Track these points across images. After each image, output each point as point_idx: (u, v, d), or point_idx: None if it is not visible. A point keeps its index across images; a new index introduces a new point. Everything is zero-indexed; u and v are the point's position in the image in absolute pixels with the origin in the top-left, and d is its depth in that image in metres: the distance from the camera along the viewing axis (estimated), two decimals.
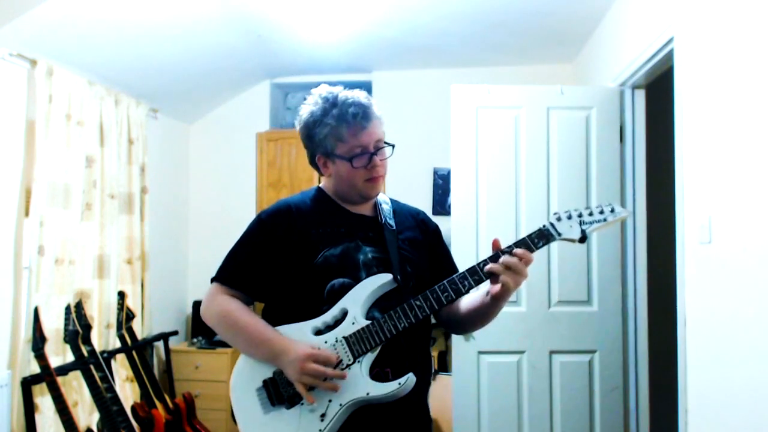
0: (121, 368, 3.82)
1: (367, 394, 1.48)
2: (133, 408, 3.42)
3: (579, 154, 3.38)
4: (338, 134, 1.60)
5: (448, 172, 4.21)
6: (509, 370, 3.32)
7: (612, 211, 1.51)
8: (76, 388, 3.39)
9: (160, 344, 4.34)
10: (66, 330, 3.16)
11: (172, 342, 4.44)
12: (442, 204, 4.61)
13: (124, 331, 3.71)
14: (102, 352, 3.40)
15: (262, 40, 4.06)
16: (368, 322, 1.53)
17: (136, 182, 4.08)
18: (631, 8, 3.24)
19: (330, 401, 1.49)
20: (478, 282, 1.52)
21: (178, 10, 3.38)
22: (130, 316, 3.79)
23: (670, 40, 2.69)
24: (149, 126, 4.30)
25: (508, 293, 1.53)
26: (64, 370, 3.20)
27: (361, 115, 1.60)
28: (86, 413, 3.42)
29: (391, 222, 1.70)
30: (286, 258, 1.60)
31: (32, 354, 3.00)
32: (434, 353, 4.21)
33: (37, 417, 3.09)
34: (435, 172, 4.69)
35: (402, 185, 4.33)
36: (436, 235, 1.81)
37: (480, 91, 3.40)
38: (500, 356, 3.31)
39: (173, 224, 4.81)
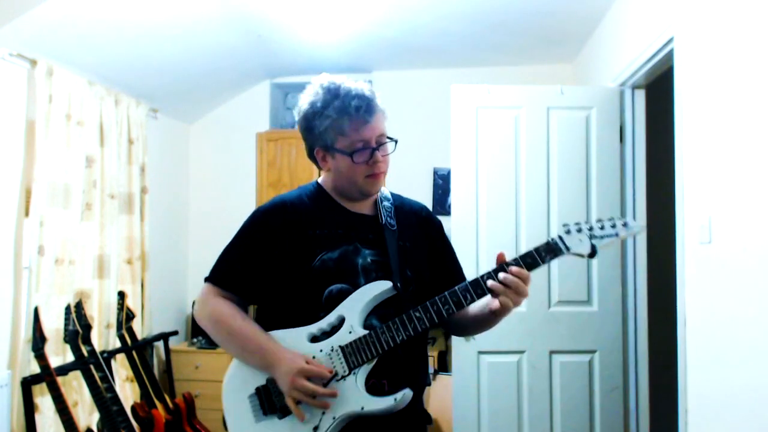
0: (121, 368, 3.82)
1: (362, 408, 1.44)
2: (133, 408, 3.42)
3: (579, 154, 3.38)
4: (339, 127, 1.53)
5: (448, 172, 4.21)
6: (509, 370, 3.32)
7: (625, 225, 1.44)
8: (76, 388, 3.39)
9: (160, 344, 4.34)
10: (66, 330, 3.16)
11: (172, 342, 4.44)
12: (442, 204, 4.61)
13: (124, 331, 3.71)
14: (102, 352, 3.40)
15: (262, 40, 4.06)
16: (365, 332, 1.47)
17: (136, 182, 4.08)
18: (631, 8, 3.24)
19: (324, 413, 1.45)
20: (481, 295, 1.47)
21: (178, 10, 3.38)
22: (130, 316, 3.79)
23: (670, 40, 2.69)
24: (149, 126, 4.30)
25: (506, 311, 1.48)
26: (64, 370, 3.20)
27: (365, 108, 1.52)
28: (86, 413, 3.42)
29: (392, 222, 1.63)
30: (281, 260, 1.55)
31: (32, 354, 3.00)
32: (434, 353, 4.21)
33: (37, 417, 3.09)
34: (435, 172, 4.69)
35: (402, 185, 4.29)
36: (438, 232, 1.75)
37: (480, 91, 3.40)
38: (500, 356, 3.31)
39: (173, 224, 4.81)
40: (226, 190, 4.91)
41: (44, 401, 3.13)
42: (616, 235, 1.43)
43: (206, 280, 1.61)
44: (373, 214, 1.64)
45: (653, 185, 3.39)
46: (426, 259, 1.66)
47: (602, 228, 1.44)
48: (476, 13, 3.69)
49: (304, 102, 1.60)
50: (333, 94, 1.54)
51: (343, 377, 1.46)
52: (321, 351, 1.48)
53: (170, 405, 3.71)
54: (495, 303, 1.46)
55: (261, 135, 4.86)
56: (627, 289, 3.37)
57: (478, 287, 1.46)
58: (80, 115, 3.52)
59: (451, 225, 3.28)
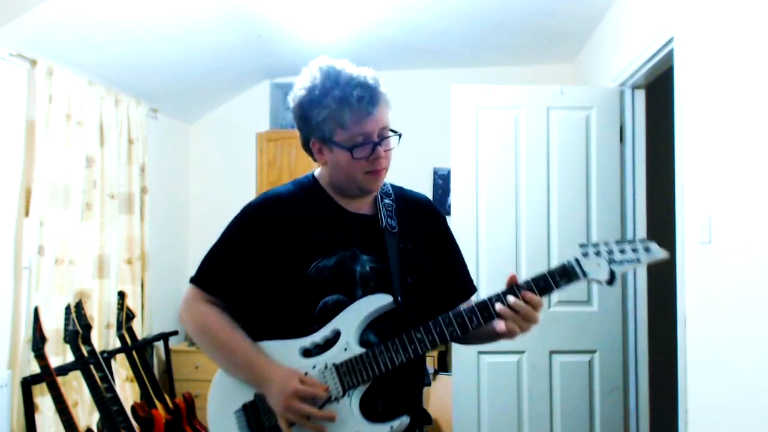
0: (121, 368, 3.82)
1: None
2: (133, 408, 3.42)
3: (579, 154, 3.38)
4: (339, 119, 1.39)
5: (448, 172, 4.21)
6: (509, 370, 3.32)
7: (647, 250, 1.31)
8: (76, 388, 3.39)
9: (160, 344, 4.34)
10: (66, 330, 3.16)
11: (172, 342, 4.44)
12: (442, 204, 4.61)
13: (124, 331, 3.71)
14: (102, 352, 3.40)
15: (262, 40, 4.06)
16: (362, 350, 1.37)
17: (136, 182, 4.08)
18: (631, 8, 3.24)
19: None
20: (488, 319, 1.36)
21: (178, 10, 3.38)
22: (130, 316, 3.79)
23: (670, 40, 2.69)
24: (149, 126, 4.30)
25: (512, 336, 1.38)
26: (64, 370, 3.20)
27: (368, 99, 1.38)
28: (86, 413, 3.42)
29: (393, 223, 1.50)
30: (273, 264, 1.43)
31: (32, 354, 3.00)
32: (434, 353, 4.21)
33: (37, 417, 3.09)
34: (435, 172, 4.69)
35: (402, 185, 4.33)
36: (442, 227, 1.63)
37: (480, 91, 3.40)
38: (500, 356, 3.31)
39: (173, 224, 4.81)
40: (226, 190, 4.90)
41: (44, 401, 3.13)
42: (638, 260, 1.31)
43: (191, 280, 1.50)
44: (373, 214, 1.51)
45: (653, 185, 3.39)
46: (427, 260, 1.55)
47: (623, 252, 1.32)
48: (476, 13, 3.69)
49: (300, 87, 1.46)
50: (333, 81, 1.40)
51: (337, 399, 1.36)
52: (314, 368, 1.38)
53: (170, 405, 3.71)
54: (501, 325, 1.36)
55: (261, 135, 4.86)
56: (627, 289, 3.37)
57: (486, 310, 1.35)
58: (80, 115, 3.52)
59: (451, 225, 3.27)
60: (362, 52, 4.36)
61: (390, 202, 1.55)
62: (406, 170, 4.51)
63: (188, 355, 4.42)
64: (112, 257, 3.78)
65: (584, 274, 1.32)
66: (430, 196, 4.65)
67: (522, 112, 3.40)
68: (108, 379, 3.21)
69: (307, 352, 1.40)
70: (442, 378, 3.91)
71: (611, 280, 1.32)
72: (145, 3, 3.23)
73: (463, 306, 1.43)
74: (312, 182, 1.55)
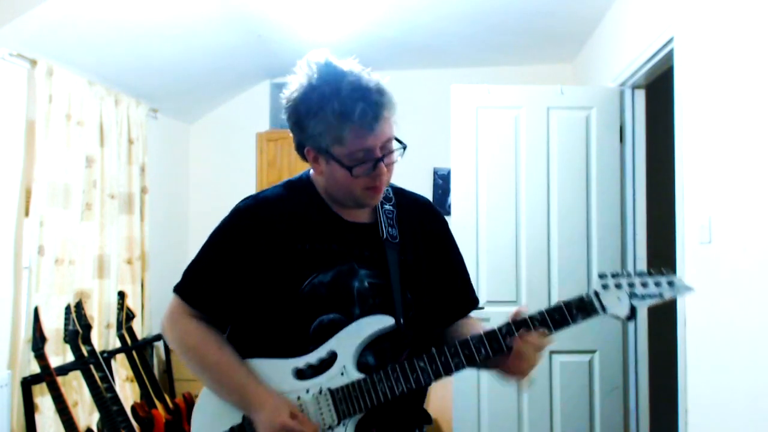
0: (121, 368, 3.82)
1: None
2: (133, 408, 3.42)
3: (579, 154, 3.38)
4: (338, 135, 1.25)
5: (448, 172, 4.21)
6: None
7: (671, 284, 1.23)
8: (76, 388, 3.39)
9: (160, 344, 4.34)
10: (66, 330, 3.16)
11: None
12: (442, 204, 4.61)
13: (124, 331, 3.71)
14: (102, 352, 3.40)
15: (262, 40, 4.06)
16: (360, 376, 1.28)
17: (136, 182, 4.08)
18: (631, 8, 3.24)
19: None
20: (497, 352, 1.27)
21: (178, 10, 3.38)
22: (130, 316, 3.79)
23: (670, 40, 2.69)
24: (149, 126, 4.30)
25: (514, 377, 1.30)
26: (64, 370, 3.20)
27: (372, 115, 1.24)
28: (86, 413, 3.42)
29: (394, 232, 1.39)
30: (263, 277, 1.33)
31: (32, 354, 2.99)
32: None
33: (37, 417, 3.08)
34: (435, 172, 4.69)
35: (401, 185, 4.33)
36: (445, 231, 1.52)
37: (480, 91, 3.40)
38: None
39: (173, 224, 4.81)
40: (226, 190, 4.89)
41: (44, 401, 3.13)
42: (660, 296, 1.23)
43: (175, 290, 1.39)
44: (372, 223, 1.40)
45: (653, 185, 3.39)
46: (427, 272, 1.44)
47: (645, 285, 1.24)
48: (476, 13, 3.69)
49: (295, 89, 1.31)
50: (333, 89, 1.25)
51: (331, 428, 1.27)
52: (308, 392, 1.28)
53: (170, 405, 3.71)
54: (505, 363, 1.29)
55: (261, 135, 4.86)
56: None
57: (495, 341, 1.26)
58: (80, 115, 3.52)
59: (451, 225, 3.27)
60: (362, 52, 4.32)
61: (390, 207, 1.44)
62: (406, 170, 4.50)
63: None
64: (112, 257, 3.78)
65: (603, 308, 1.24)
66: (430, 197, 4.66)
67: (522, 112, 3.40)
68: (108, 379, 3.21)
69: (300, 374, 1.31)
70: (441, 378, 3.91)
71: (631, 315, 1.23)
72: (145, 3, 3.23)
73: (468, 328, 1.36)
74: (306, 185, 1.42)
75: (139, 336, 3.95)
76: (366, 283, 1.34)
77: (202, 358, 1.34)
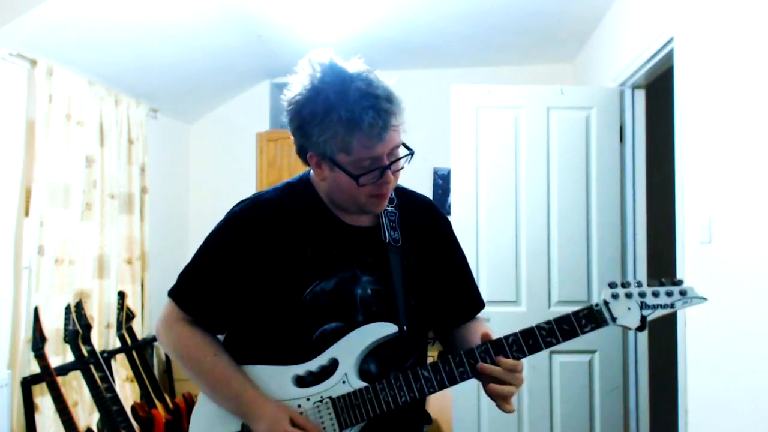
0: (121, 368, 3.82)
1: None
2: (133, 408, 3.42)
3: (579, 154, 3.38)
4: (345, 144, 1.20)
5: (448, 172, 4.21)
6: None
7: (683, 294, 1.20)
8: (76, 388, 3.39)
9: (160, 344, 4.33)
10: (66, 330, 3.16)
11: None
12: (442, 204, 4.61)
13: (124, 331, 3.71)
14: (102, 352, 3.40)
15: (262, 40, 4.06)
16: (362, 385, 1.25)
17: (136, 182, 4.08)
18: (631, 8, 3.24)
19: None
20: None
21: (178, 10, 3.38)
22: (130, 316, 3.79)
23: (670, 40, 2.69)
24: (149, 126, 4.30)
25: (500, 398, 1.24)
26: (64, 370, 3.20)
27: (381, 125, 1.19)
28: (86, 413, 3.42)
29: (396, 236, 1.36)
30: (263, 284, 1.29)
31: (32, 354, 3.00)
32: (434, 353, 4.21)
33: (37, 417, 3.09)
34: (435, 172, 4.69)
35: (402, 185, 4.33)
36: (447, 232, 1.48)
37: (480, 91, 3.40)
38: None
39: (173, 224, 4.81)
40: (226, 190, 4.89)
41: (44, 401, 3.13)
42: (672, 306, 1.20)
43: (170, 294, 1.36)
44: (374, 226, 1.36)
45: (653, 185, 3.39)
46: (431, 276, 1.41)
47: (656, 295, 1.20)
48: (476, 13, 3.69)
49: (298, 91, 1.25)
50: (339, 95, 1.19)
51: None
52: (308, 400, 1.26)
53: (170, 405, 3.71)
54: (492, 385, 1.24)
55: (261, 135, 4.86)
56: None
57: (501, 350, 1.23)
58: (80, 115, 3.52)
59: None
60: (362, 52, 4.32)
61: (393, 209, 1.40)
62: (406, 170, 4.51)
63: None
64: (112, 257, 3.78)
65: (613, 318, 1.21)
66: (430, 196, 4.65)
67: (522, 112, 3.40)
68: (108, 379, 3.21)
69: (300, 381, 1.28)
70: None
71: (642, 327, 1.20)
72: (145, 3, 3.23)
73: (474, 332, 1.33)
74: (306, 187, 1.38)
75: (139, 336, 3.95)
76: (369, 290, 1.31)
77: (198, 365, 1.31)
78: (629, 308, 1.20)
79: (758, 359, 2.00)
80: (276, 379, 1.28)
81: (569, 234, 3.33)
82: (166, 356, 4.30)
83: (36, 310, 3.06)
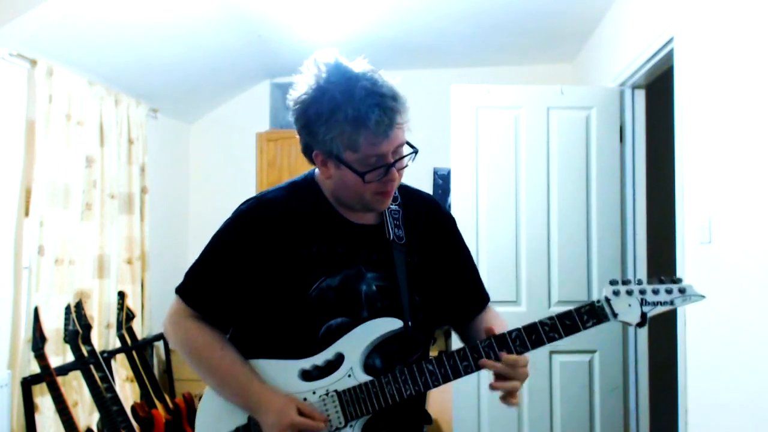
0: (121, 368, 3.82)
1: None
2: (133, 408, 3.42)
3: (579, 154, 3.38)
4: (351, 142, 1.22)
5: (448, 172, 4.21)
6: None
7: (682, 292, 1.23)
8: (76, 388, 3.39)
9: (160, 344, 4.34)
10: (66, 330, 3.16)
11: None
12: (441, 204, 4.62)
13: (124, 331, 3.71)
14: (102, 352, 3.40)
15: (262, 40, 4.06)
16: (367, 378, 1.27)
17: (136, 182, 4.08)
18: (631, 8, 3.24)
19: None
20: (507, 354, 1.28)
21: (178, 10, 3.38)
22: (130, 316, 3.79)
23: (670, 40, 2.69)
24: (149, 126, 4.30)
25: (505, 393, 1.29)
26: (64, 370, 3.20)
27: (387, 122, 1.21)
28: (86, 413, 3.42)
29: (400, 233, 1.38)
30: (269, 282, 1.31)
31: (32, 354, 2.99)
32: (434, 353, 4.20)
33: (37, 417, 3.08)
34: (435, 172, 4.69)
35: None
36: (452, 230, 1.51)
37: (480, 91, 3.40)
38: None
39: (173, 224, 4.81)
40: (226, 190, 4.90)
41: (44, 401, 3.13)
42: (671, 303, 1.23)
43: (177, 292, 1.38)
44: (378, 224, 1.39)
45: (653, 185, 3.39)
46: (435, 273, 1.44)
47: (656, 292, 1.23)
48: (476, 13, 3.69)
49: (304, 91, 1.28)
50: (346, 94, 1.21)
51: (338, 429, 1.27)
52: (314, 393, 1.28)
53: (170, 405, 3.70)
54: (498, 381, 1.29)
55: (261, 135, 4.86)
56: None
57: (504, 344, 1.27)
58: (80, 115, 3.52)
59: None
60: (362, 52, 4.34)
61: (396, 207, 1.42)
62: (407, 170, 4.52)
63: None
64: (112, 257, 3.78)
65: (614, 314, 1.25)
66: None
67: (522, 112, 3.40)
68: (108, 379, 3.21)
69: (306, 375, 1.30)
70: None
71: (642, 322, 1.24)
72: (145, 3, 3.23)
73: (479, 328, 1.35)
74: (311, 186, 1.39)
75: (139, 336, 3.95)
76: (374, 287, 1.33)
77: (205, 360, 1.33)
78: (630, 305, 1.24)
79: (758, 359, 2.00)
80: (282, 373, 1.30)
81: (569, 234, 3.33)
82: (166, 356, 4.30)
83: (36, 310, 3.06)
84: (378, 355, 1.32)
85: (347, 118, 1.21)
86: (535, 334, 1.27)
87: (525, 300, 3.31)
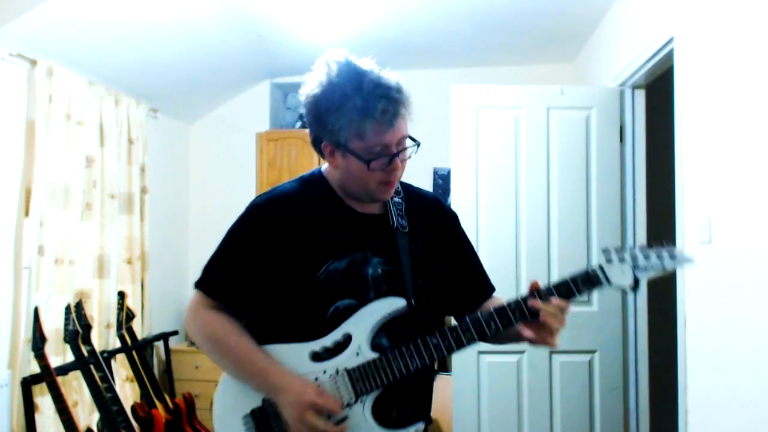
0: (121, 368, 3.82)
1: None
2: (133, 408, 3.42)
3: (579, 154, 3.38)
4: (359, 130, 1.31)
5: (448, 172, 4.21)
6: (509, 370, 3.32)
7: (672, 257, 1.29)
8: (76, 388, 3.39)
9: (160, 344, 4.34)
10: (66, 330, 3.16)
11: (172, 342, 4.44)
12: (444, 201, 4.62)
13: (124, 331, 3.71)
14: (102, 352, 3.40)
15: (262, 40, 4.06)
16: (375, 355, 1.33)
17: (136, 182, 4.08)
18: (631, 8, 3.24)
19: None
20: (507, 325, 1.32)
21: (178, 10, 3.38)
22: (130, 316, 3.79)
23: (670, 40, 2.69)
24: (149, 126, 4.30)
25: (537, 342, 1.33)
26: (64, 370, 3.20)
27: (392, 112, 1.31)
28: (86, 413, 3.42)
29: (404, 223, 1.46)
30: (281, 267, 1.38)
31: (32, 354, 3.00)
32: None
33: (37, 417, 3.09)
34: (435, 172, 4.69)
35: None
36: (454, 226, 1.59)
37: (480, 91, 3.40)
38: (500, 356, 3.31)
39: (173, 224, 4.81)
40: (226, 190, 4.90)
41: (44, 401, 3.13)
42: (663, 267, 1.29)
43: (196, 285, 1.44)
44: (383, 214, 1.47)
45: (653, 185, 3.39)
46: (439, 260, 1.51)
47: (647, 258, 1.30)
48: (476, 14, 3.69)
49: (316, 85, 1.37)
50: (354, 87, 1.31)
51: (349, 405, 1.33)
52: (324, 372, 1.34)
53: (170, 405, 3.70)
54: (527, 333, 1.33)
55: (261, 135, 4.86)
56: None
57: (504, 316, 1.32)
58: (80, 115, 3.52)
59: None
60: (362, 52, 4.34)
61: (400, 200, 1.51)
62: (406, 170, 4.51)
63: (188, 355, 4.42)
64: (112, 257, 3.79)
65: (608, 281, 1.31)
66: None
67: (522, 112, 3.40)
68: (108, 379, 3.21)
69: (316, 356, 1.36)
70: (442, 378, 3.91)
71: (635, 286, 1.30)
72: (145, 3, 3.23)
73: (484, 308, 1.39)
74: (319, 180, 1.48)
75: (139, 336, 3.95)
76: (379, 270, 1.40)
77: (224, 345, 1.39)
78: (623, 271, 1.30)
79: (758, 359, 2.00)
80: (294, 356, 1.36)
81: (569, 234, 3.33)
82: (167, 356, 4.31)
83: (36, 310, 3.06)
84: (385, 336, 1.37)
85: (356, 107, 1.30)
86: (530, 301, 1.32)
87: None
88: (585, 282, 1.32)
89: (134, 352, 3.73)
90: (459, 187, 3.37)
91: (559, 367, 3.32)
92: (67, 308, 3.20)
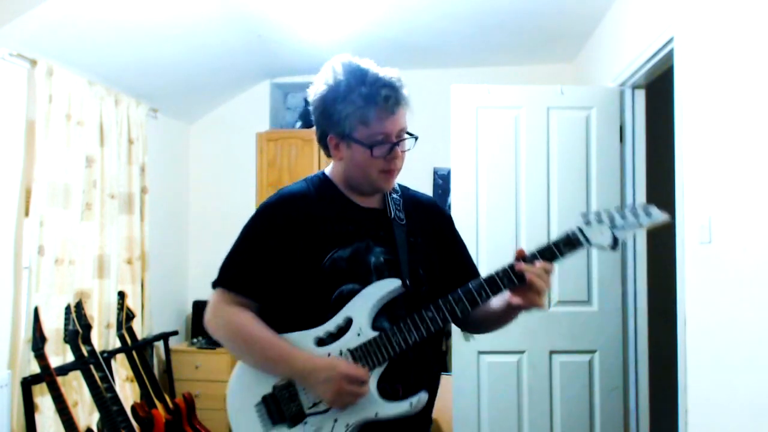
0: (121, 368, 3.82)
1: (376, 414, 1.39)
2: (133, 408, 3.42)
3: (579, 154, 3.38)
4: (363, 117, 1.41)
5: (448, 172, 4.21)
6: (509, 370, 3.32)
7: (648, 214, 1.35)
8: (76, 388, 3.39)
9: (160, 344, 4.34)
10: (66, 330, 3.16)
11: (172, 342, 4.44)
12: (442, 204, 4.60)
13: (124, 331, 3.71)
14: (102, 352, 3.40)
15: (262, 40, 4.06)
16: (375, 333, 1.41)
17: (136, 182, 4.08)
18: (631, 8, 3.24)
19: (336, 421, 1.39)
20: (496, 292, 1.41)
21: (178, 10, 3.38)
22: (130, 316, 3.79)
23: (670, 40, 2.69)
24: (149, 126, 4.30)
25: (526, 307, 1.42)
26: (64, 370, 3.20)
27: (394, 99, 1.42)
28: (86, 413, 3.42)
29: (401, 216, 1.55)
30: (291, 259, 1.46)
31: (32, 354, 3.00)
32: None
33: (37, 417, 3.09)
34: (435, 172, 4.69)
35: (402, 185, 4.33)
36: (449, 227, 1.67)
37: (480, 91, 3.40)
38: (500, 356, 3.31)
39: (173, 224, 4.81)
40: (226, 190, 4.90)
41: (44, 401, 3.13)
42: (640, 225, 1.36)
43: (215, 285, 1.51)
44: (382, 208, 1.56)
45: (653, 185, 3.39)
46: (437, 255, 1.59)
47: (624, 217, 1.36)
48: (476, 13, 3.69)
49: (322, 83, 1.49)
50: (359, 79, 1.43)
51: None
52: (329, 355, 1.41)
53: (170, 405, 3.71)
54: (515, 299, 1.41)
55: (261, 135, 4.85)
56: (627, 289, 3.37)
57: (494, 284, 1.41)
58: (80, 115, 3.52)
59: None
60: (362, 52, 4.33)
61: (397, 197, 1.60)
62: (406, 170, 4.49)
63: (188, 355, 4.42)
64: (112, 257, 3.79)
65: (588, 241, 1.37)
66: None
67: (522, 112, 3.40)
68: (108, 379, 3.21)
69: (321, 341, 1.43)
70: (442, 378, 3.91)
71: (614, 245, 1.36)
72: (145, 3, 3.23)
73: (471, 283, 1.45)
74: (323, 180, 1.58)
75: (139, 336, 3.95)
76: (381, 258, 1.49)
77: (248, 336, 1.45)
78: (601, 231, 1.37)
79: (758, 359, 2.00)
80: (300, 343, 1.43)
81: None
82: (167, 356, 4.31)
83: (36, 310, 3.06)
84: (386, 319, 1.45)
85: (361, 95, 1.41)
86: (517, 268, 1.40)
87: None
88: (567, 244, 1.38)
89: (134, 352, 3.73)
90: (459, 187, 3.37)
91: (559, 367, 3.32)
92: (67, 308, 3.20)
